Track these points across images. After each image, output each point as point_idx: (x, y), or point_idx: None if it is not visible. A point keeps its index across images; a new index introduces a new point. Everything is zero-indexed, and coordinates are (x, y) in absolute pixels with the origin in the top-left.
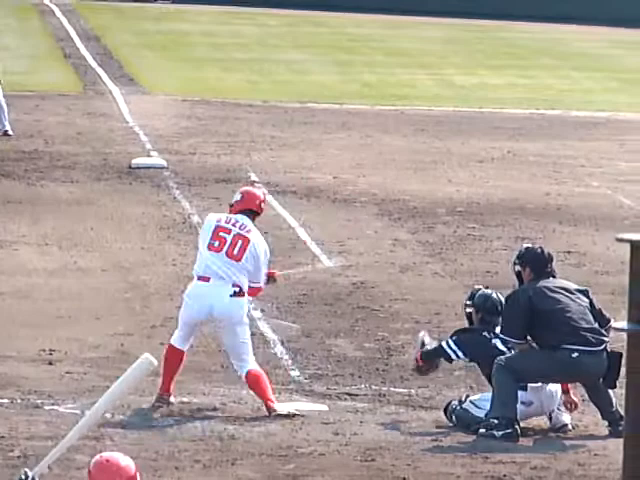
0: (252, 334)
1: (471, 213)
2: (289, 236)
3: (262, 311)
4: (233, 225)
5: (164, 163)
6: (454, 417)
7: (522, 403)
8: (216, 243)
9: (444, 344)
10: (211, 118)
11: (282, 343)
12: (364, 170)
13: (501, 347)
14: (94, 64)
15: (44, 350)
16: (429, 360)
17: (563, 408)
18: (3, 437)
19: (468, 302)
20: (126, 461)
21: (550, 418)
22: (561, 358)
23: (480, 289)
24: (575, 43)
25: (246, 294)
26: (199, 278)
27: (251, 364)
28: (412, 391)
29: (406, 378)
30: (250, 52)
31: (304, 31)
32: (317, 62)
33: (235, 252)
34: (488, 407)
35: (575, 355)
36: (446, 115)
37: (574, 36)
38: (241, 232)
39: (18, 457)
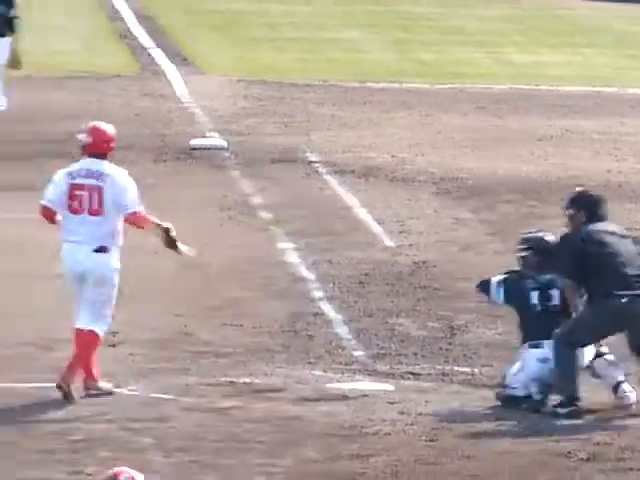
0: (314, 314)
1: (531, 191)
2: (348, 216)
3: (324, 291)
4: (85, 177)
5: (223, 144)
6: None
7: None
8: (75, 204)
9: (493, 280)
10: (268, 98)
11: (345, 323)
12: (423, 149)
13: (534, 301)
14: (150, 44)
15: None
16: (481, 288)
17: (629, 387)
18: (65, 420)
19: (522, 246)
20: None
21: (615, 391)
22: (612, 305)
23: (531, 232)
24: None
25: (113, 248)
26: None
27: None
28: (475, 370)
29: (469, 357)
30: (306, 31)
31: (360, 9)
32: (374, 41)
33: (95, 207)
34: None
35: (625, 300)
36: (504, 93)
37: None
38: (94, 183)
39: (80, 441)
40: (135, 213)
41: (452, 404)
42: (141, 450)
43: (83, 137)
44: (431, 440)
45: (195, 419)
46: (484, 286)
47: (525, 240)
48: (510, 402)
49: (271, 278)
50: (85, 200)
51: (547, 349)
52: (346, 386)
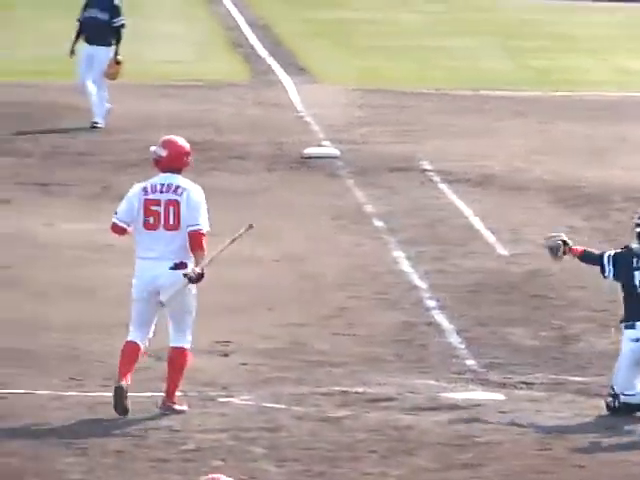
0: (427, 323)
1: None
2: (463, 224)
3: (436, 300)
4: (160, 192)
5: (337, 152)
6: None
7: None
8: (151, 220)
9: (605, 256)
10: (383, 107)
11: (457, 333)
12: (538, 157)
13: (636, 282)
14: (264, 53)
15: (218, 341)
16: (586, 259)
17: None
18: (177, 430)
19: (638, 221)
20: None
21: None
22: None
23: None
24: None
25: (189, 263)
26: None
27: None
28: (588, 379)
29: (582, 366)
30: (419, 39)
31: (471, 17)
32: (484, 48)
33: (171, 222)
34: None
35: None
36: (620, 100)
37: None
38: (171, 197)
39: (192, 450)
40: (201, 232)
41: (564, 413)
42: (253, 459)
43: (159, 150)
44: (543, 449)
45: (308, 428)
46: (592, 259)
47: None
48: (625, 410)
49: (384, 287)
50: (161, 215)
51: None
52: (459, 395)
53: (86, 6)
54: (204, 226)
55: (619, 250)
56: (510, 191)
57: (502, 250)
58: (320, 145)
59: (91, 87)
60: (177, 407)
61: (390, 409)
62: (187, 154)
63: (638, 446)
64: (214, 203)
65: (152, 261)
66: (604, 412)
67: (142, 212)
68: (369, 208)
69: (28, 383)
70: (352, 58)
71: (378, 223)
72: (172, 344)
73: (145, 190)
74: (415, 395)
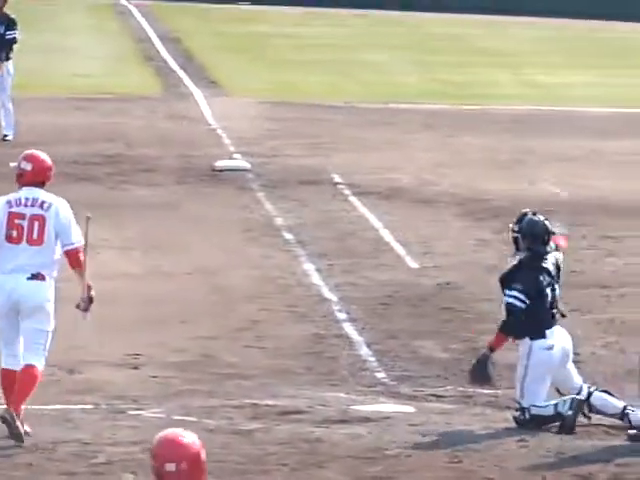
0: (337, 336)
1: (555, 212)
2: (373, 237)
3: (347, 313)
4: (25, 206)
5: (247, 165)
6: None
7: None
8: (14, 233)
9: (509, 299)
10: (293, 120)
11: (368, 345)
12: (446, 170)
13: (547, 295)
14: (175, 66)
15: (129, 354)
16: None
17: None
18: (87, 443)
19: (515, 227)
20: (190, 437)
21: (622, 419)
22: None
23: (527, 213)
24: None
25: (48, 277)
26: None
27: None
28: (499, 392)
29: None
30: (331, 53)
31: (383, 31)
32: (398, 62)
33: (35, 236)
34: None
35: None
36: (528, 114)
37: None
38: (36, 211)
39: (102, 463)
40: (78, 250)
41: (474, 426)
42: None
43: (23, 164)
44: (453, 462)
45: (219, 441)
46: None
47: (518, 220)
48: (536, 422)
49: (294, 300)
50: (25, 229)
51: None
52: (369, 408)
53: None
54: (78, 242)
55: (524, 277)
56: (419, 204)
57: (412, 263)
58: (231, 158)
59: None
60: (17, 423)
61: (301, 422)
62: (50, 169)
63: (548, 458)
64: (125, 216)
65: (10, 274)
66: (513, 425)
67: (5, 225)
68: (279, 221)
69: None
70: (265, 71)
71: (288, 236)
72: (23, 362)
73: (9, 203)
74: (325, 408)
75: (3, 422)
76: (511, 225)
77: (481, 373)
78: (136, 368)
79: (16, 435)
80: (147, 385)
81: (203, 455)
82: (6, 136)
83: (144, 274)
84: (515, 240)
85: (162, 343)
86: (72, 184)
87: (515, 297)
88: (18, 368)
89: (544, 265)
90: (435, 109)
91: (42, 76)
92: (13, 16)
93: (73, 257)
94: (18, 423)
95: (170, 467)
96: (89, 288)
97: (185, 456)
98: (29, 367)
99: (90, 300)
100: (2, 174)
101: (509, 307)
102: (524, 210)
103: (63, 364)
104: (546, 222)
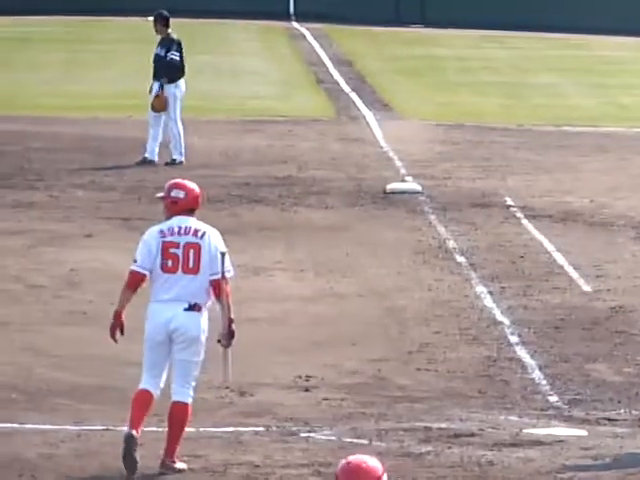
0: (509, 359)
1: None
2: (545, 260)
3: (519, 336)
4: (179, 234)
5: (419, 188)
6: None
7: None
8: (169, 263)
9: None
10: (465, 142)
11: (540, 369)
12: (621, 193)
13: None
14: (347, 89)
15: (300, 377)
16: None
17: None
18: (258, 466)
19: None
20: (373, 462)
21: None
22: None
23: None
24: None
25: (203, 308)
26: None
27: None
28: None
29: None
30: (503, 76)
31: (556, 54)
32: (571, 85)
33: (191, 265)
34: None
35: None
36: None
37: None
38: (190, 240)
39: None
40: (221, 279)
41: None
42: None
43: (176, 193)
44: None
45: (389, 464)
46: None
47: None
48: None
49: (467, 322)
50: (180, 258)
51: None
52: (541, 431)
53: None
54: (227, 272)
55: None
56: (593, 227)
57: (585, 286)
58: (402, 180)
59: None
60: (177, 465)
61: (472, 445)
62: (199, 196)
63: None
64: (296, 238)
65: (167, 304)
66: None
67: (160, 255)
68: (451, 243)
69: (108, 419)
70: (436, 94)
71: (460, 258)
72: (174, 398)
73: (162, 232)
74: (497, 431)
75: (124, 441)
76: None
77: None
78: (307, 390)
79: (130, 463)
80: (318, 407)
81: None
82: (174, 160)
83: (315, 296)
84: None
85: (333, 365)
86: (244, 206)
87: None
88: (157, 393)
89: None
90: (609, 132)
91: (214, 99)
92: (177, 38)
93: (218, 287)
94: (137, 453)
95: None
96: (230, 321)
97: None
98: (182, 405)
99: (231, 335)
100: None
101: None
102: None
103: (234, 386)
104: None
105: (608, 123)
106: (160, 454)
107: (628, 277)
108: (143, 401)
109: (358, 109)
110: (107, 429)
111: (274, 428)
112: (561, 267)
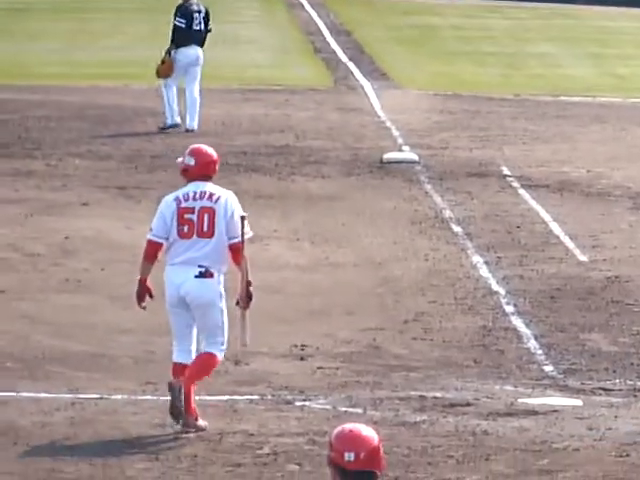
0: (505, 328)
1: None
2: (541, 230)
3: (514, 305)
4: (194, 199)
5: (416, 158)
6: None
7: None
8: (185, 228)
9: None
10: (463, 112)
11: (535, 338)
12: (618, 163)
13: None
14: (344, 58)
15: (296, 345)
16: None
17: None
18: (253, 434)
19: None
20: (368, 431)
21: None
22: None
23: None
24: None
25: (216, 274)
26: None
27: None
28: None
29: None
30: (501, 46)
31: (555, 24)
32: (569, 55)
33: (205, 229)
34: None
35: None
36: None
37: None
38: (205, 204)
39: (268, 454)
40: (242, 244)
41: None
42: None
43: (188, 160)
44: (620, 456)
45: (384, 433)
46: None
47: None
48: None
49: (463, 292)
50: (195, 223)
51: None
52: (536, 401)
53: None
54: (247, 234)
55: None
56: (590, 197)
57: (581, 256)
58: (399, 150)
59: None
60: (199, 423)
61: (467, 414)
62: (215, 162)
63: None
64: (293, 207)
65: (179, 267)
66: None
67: (176, 221)
68: (448, 213)
69: (102, 387)
70: (434, 64)
71: (457, 228)
72: (205, 349)
73: (178, 199)
74: (492, 400)
75: (169, 390)
76: None
77: None
78: (302, 359)
79: (175, 411)
80: (313, 376)
81: (382, 450)
82: (165, 125)
83: (311, 265)
84: None
85: (328, 334)
86: (241, 175)
87: None
88: (190, 360)
89: None
90: (606, 102)
91: (213, 67)
92: (183, 3)
93: (235, 252)
94: (182, 399)
95: (349, 457)
96: (248, 284)
97: (364, 448)
98: (208, 354)
99: (249, 297)
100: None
101: None
102: None
103: (230, 355)
104: None
105: (606, 93)
106: (155, 423)
107: (624, 247)
108: (179, 376)
109: (356, 79)
110: (101, 397)
111: (269, 397)
112: (557, 237)
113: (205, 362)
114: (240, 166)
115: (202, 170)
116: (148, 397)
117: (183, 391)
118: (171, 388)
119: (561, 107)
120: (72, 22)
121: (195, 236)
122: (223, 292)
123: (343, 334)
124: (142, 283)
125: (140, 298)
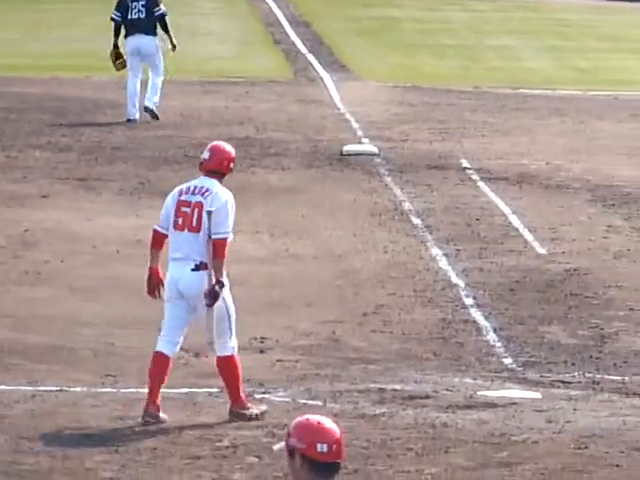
0: (464, 321)
1: None
2: (502, 223)
3: (474, 298)
4: (192, 194)
5: (375, 150)
6: None
7: None
8: (180, 221)
9: None
10: (423, 104)
11: (494, 331)
12: (577, 156)
13: None
14: (304, 50)
15: (255, 338)
16: None
17: None
18: (212, 427)
19: None
20: (330, 424)
21: None
22: None
23: None
24: None
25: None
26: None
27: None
28: (626, 378)
29: (620, 365)
30: (461, 38)
31: (515, 16)
32: (529, 48)
33: (194, 224)
34: None
35: None
36: None
37: None
38: (198, 199)
39: (227, 447)
40: (220, 240)
41: (602, 412)
42: None
43: (204, 154)
44: (579, 448)
45: (344, 426)
46: None
47: None
48: None
49: (421, 285)
50: (188, 217)
51: None
52: (495, 394)
53: None
54: (225, 233)
55: None
56: (549, 190)
57: (540, 248)
58: (359, 142)
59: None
60: (247, 412)
61: (426, 407)
62: (229, 160)
63: None
64: (253, 199)
65: (176, 262)
66: None
67: (173, 213)
68: (407, 205)
69: (62, 380)
70: (393, 56)
71: (416, 220)
72: (217, 354)
73: (180, 192)
74: (451, 393)
75: (143, 419)
76: None
77: None
78: (262, 352)
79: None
80: (273, 369)
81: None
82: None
83: (271, 257)
84: None
85: (288, 327)
86: (192, 167)
87: None
88: (173, 352)
89: None
90: (566, 95)
91: (174, 60)
92: None
93: (214, 247)
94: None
95: (322, 448)
96: (217, 283)
97: (335, 439)
98: (224, 358)
99: (212, 294)
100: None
101: None
102: None
103: (190, 347)
104: None
105: (565, 86)
106: (115, 415)
107: (583, 240)
108: (159, 365)
109: (315, 71)
110: (61, 390)
111: None
112: (516, 230)
113: (230, 369)
114: (199, 158)
115: (213, 166)
116: (108, 389)
117: (158, 417)
118: (145, 416)
119: (520, 100)
120: (29, 13)
121: (186, 230)
122: (225, 281)
123: (303, 326)
124: (152, 271)
125: (150, 287)
